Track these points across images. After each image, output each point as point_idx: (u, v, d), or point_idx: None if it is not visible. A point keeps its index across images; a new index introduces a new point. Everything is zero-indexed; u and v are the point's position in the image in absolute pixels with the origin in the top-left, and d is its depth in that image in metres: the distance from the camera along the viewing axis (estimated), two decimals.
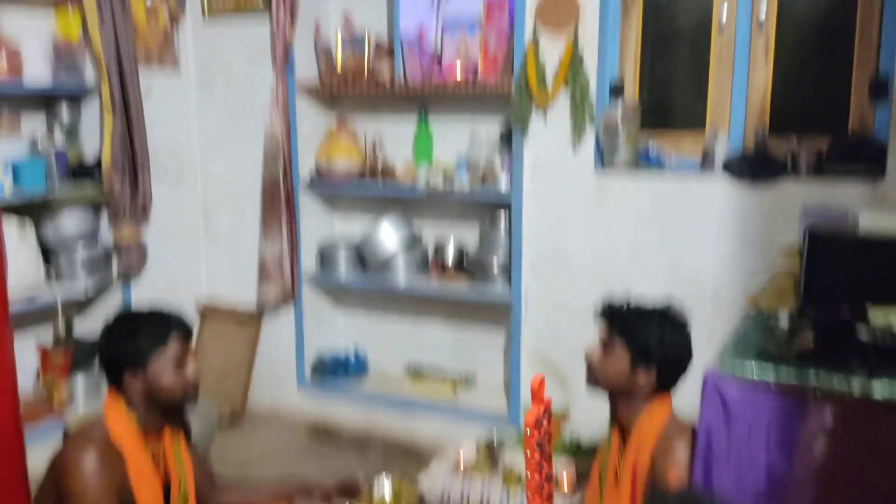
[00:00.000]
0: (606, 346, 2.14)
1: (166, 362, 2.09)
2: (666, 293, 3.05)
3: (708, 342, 2.77)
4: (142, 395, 2.12)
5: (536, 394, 2.22)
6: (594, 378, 2.18)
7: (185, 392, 2.14)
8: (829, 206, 2.65)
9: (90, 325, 3.68)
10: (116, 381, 2.13)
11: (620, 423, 2.22)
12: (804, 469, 1.81)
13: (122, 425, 2.10)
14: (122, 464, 2.07)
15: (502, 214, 3.49)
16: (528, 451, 2.17)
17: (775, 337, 2.04)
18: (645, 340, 2.10)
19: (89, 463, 2.00)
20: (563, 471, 2.99)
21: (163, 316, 2.14)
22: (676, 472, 2.02)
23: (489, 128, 3.53)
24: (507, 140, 3.40)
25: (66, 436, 2.64)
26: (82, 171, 3.51)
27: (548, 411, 2.22)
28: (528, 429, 2.16)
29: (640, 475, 2.09)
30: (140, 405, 2.13)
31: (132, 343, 2.10)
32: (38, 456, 2.29)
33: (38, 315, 3.49)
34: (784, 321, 2.11)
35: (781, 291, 2.44)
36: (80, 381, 3.51)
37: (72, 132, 3.58)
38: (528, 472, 2.18)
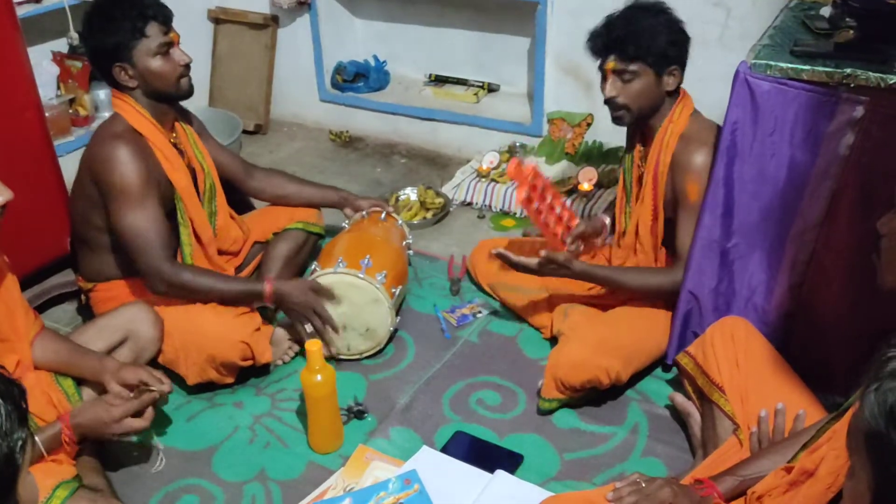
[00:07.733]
0: (622, 74, 2.03)
1: (150, 52, 2.06)
2: None
3: (745, 35, 2.65)
4: (140, 89, 2.11)
5: (515, 176, 2.24)
6: (624, 111, 2.09)
7: (179, 77, 2.12)
8: None
9: None
10: (111, 79, 2.11)
11: (642, 135, 2.19)
12: (827, 161, 1.81)
13: (138, 117, 2.13)
14: (150, 151, 2.13)
15: None
16: (532, 219, 2.26)
17: (815, 30, 1.96)
18: (657, 47, 1.99)
19: (122, 153, 2.04)
20: (585, 179, 3.05)
21: (137, 5, 2.04)
22: (696, 185, 2.03)
23: None
24: None
25: None
26: None
27: (534, 181, 2.24)
28: (521, 207, 2.20)
29: (661, 175, 2.11)
30: (143, 99, 2.13)
31: (111, 37, 2.05)
32: (75, 166, 2.33)
33: (51, 27, 3.39)
34: (826, 12, 2.01)
35: None
36: (102, 92, 3.50)
37: None
38: (541, 229, 2.29)
